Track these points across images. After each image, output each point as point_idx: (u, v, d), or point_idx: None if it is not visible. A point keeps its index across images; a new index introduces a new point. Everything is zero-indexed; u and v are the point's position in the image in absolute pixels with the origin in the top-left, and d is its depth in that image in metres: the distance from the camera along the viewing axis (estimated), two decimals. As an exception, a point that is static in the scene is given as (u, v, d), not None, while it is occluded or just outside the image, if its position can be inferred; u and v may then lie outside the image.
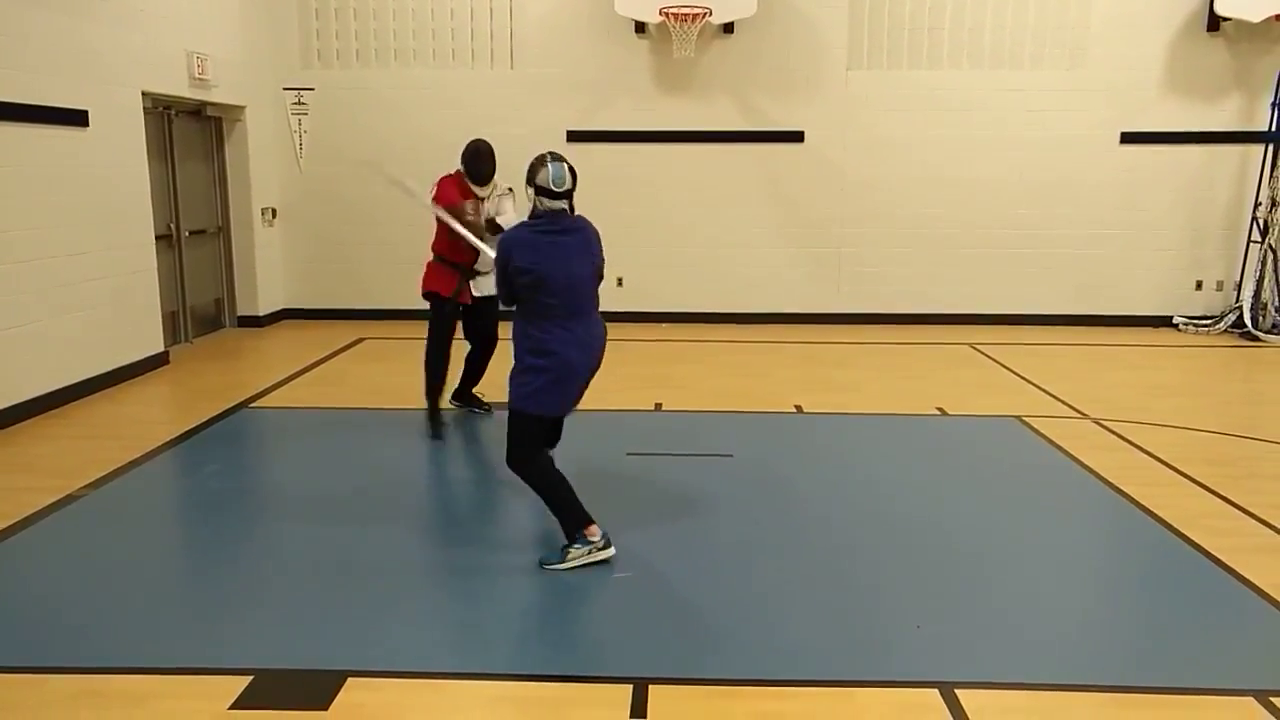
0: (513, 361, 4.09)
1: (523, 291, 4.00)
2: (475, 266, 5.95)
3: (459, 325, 6.14)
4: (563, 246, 4.02)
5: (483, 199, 5.98)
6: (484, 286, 5.99)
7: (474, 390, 6.42)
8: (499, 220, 5.89)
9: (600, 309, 4.21)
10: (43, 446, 5.74)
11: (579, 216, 4.14)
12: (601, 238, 4.18)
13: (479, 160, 5.93)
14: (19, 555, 4.21)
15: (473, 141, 6.01)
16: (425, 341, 6.05)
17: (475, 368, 6.34)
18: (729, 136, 9.80)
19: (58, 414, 6.38)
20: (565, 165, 4.03)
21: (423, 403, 6.13)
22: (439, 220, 5.89)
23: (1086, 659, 3.38)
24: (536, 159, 4.07)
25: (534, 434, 4.12)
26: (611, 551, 4.06)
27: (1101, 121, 9.69)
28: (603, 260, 4.21)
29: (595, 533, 4.05)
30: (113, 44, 7.16)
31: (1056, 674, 3.25)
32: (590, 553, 4.03)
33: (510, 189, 6.00)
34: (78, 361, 6.77)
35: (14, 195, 6.12)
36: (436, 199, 5.87)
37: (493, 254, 4.90)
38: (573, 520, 4.06)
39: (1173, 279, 10.01)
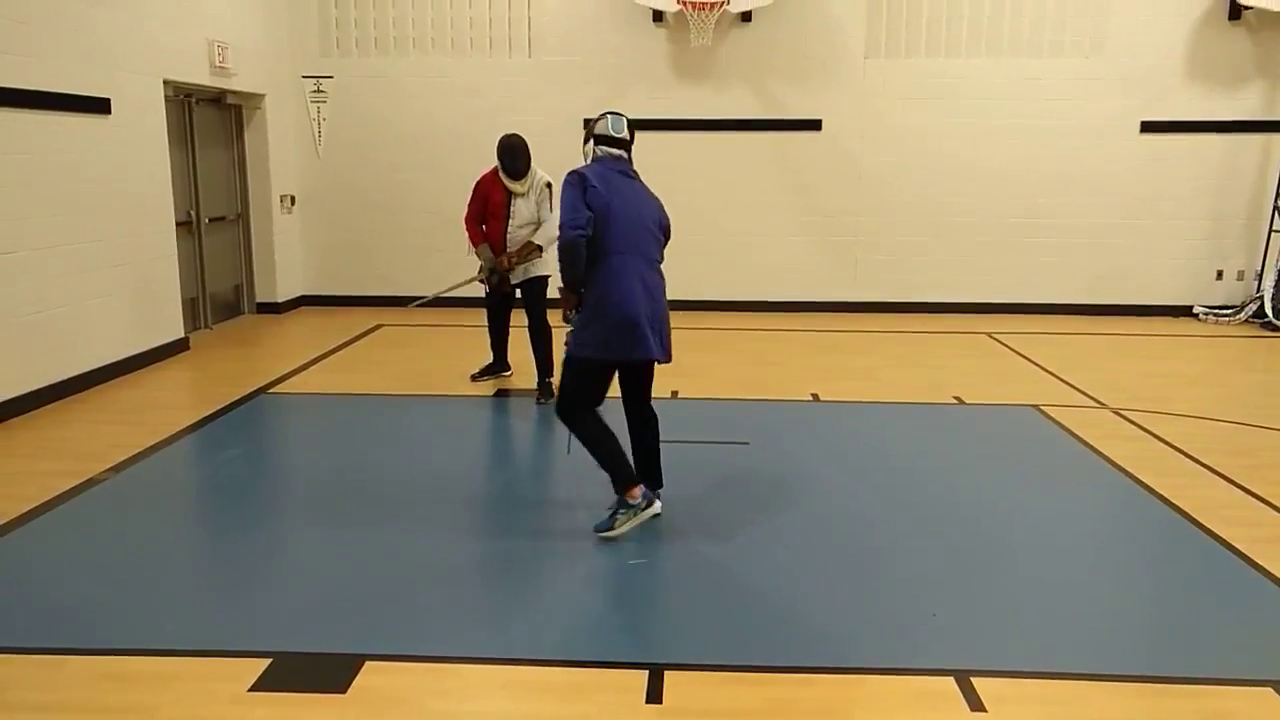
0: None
1: (593, 224, 3.98)
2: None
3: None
4: (631, 187, 4.17)
5: (519, 193, 6.22)
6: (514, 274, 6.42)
7: (545, 380, 6.45)
8: (543, 227, 6.20)
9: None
10: (65, 430, 5.80)
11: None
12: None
13: (512, 156, 6.16)
14: (41, 538, 4.26)
15: (505, 137, 6.23)
16: None
17: (535, 354, 6.46)
18: (746, 125, 9.77)
19: (80, 398, 6.45)
20: (624, 117, 4.25)
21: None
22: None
23: (1103, 648, 3.36)
24: (595, 117, 4.29)
25: (585, 380, 4.15)
26: (658, 507, 4.25)
27: (1121, 110, 9.61)
28: (669, 220, 4.32)
29: (636, 495, 4.18)
30: (134, 33, 7.20)
31: (1073, 663, 3.24)
32: (635, 514, 4.17)
33: (549, 183, 6.22)
34: (99, 347, 6.83)
35: (36, 182, 6.17)
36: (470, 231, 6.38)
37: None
38: (617, 478, 4.18)
39: (1193, 268, 9.93)
